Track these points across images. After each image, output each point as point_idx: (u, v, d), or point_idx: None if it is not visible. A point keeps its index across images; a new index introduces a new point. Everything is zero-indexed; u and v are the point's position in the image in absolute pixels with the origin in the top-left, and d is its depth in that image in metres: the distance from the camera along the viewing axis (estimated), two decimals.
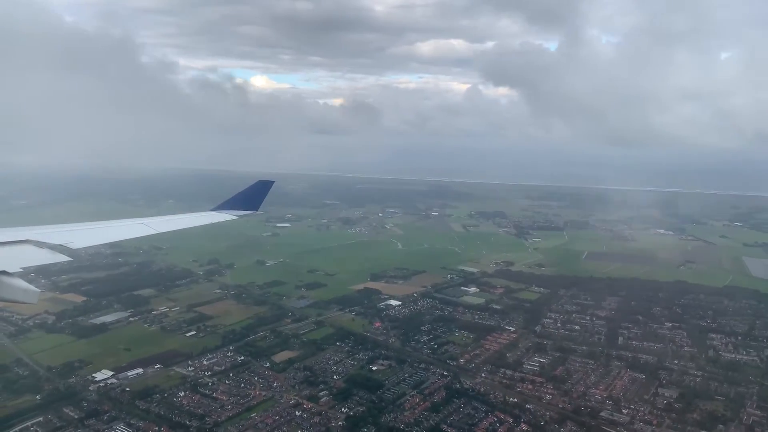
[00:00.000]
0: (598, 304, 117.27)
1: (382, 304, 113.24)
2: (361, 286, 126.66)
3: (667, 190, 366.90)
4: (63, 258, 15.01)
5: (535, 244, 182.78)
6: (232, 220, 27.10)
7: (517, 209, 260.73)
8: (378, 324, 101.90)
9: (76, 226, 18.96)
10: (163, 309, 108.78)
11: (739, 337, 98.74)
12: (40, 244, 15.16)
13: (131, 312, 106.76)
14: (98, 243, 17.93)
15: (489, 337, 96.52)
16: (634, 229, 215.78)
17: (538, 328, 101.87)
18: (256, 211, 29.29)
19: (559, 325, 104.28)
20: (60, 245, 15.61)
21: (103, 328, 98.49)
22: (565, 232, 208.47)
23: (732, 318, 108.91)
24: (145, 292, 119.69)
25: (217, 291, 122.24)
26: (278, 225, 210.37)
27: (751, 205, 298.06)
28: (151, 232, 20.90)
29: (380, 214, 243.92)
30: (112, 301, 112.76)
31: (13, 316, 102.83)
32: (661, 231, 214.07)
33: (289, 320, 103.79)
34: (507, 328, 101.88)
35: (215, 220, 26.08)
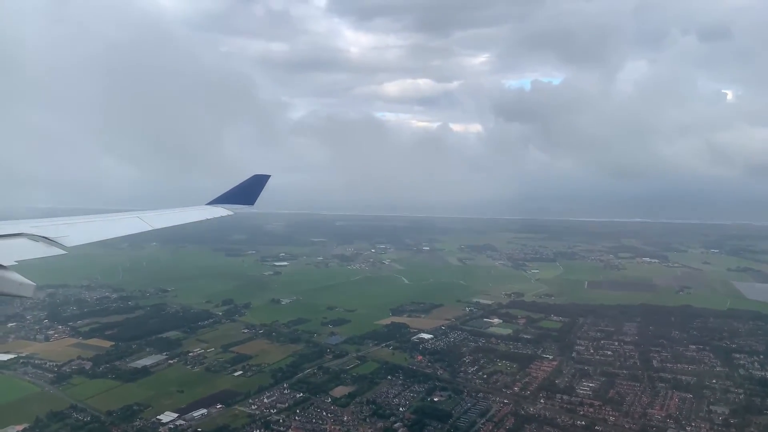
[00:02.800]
0: (620, 329, 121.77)
1: (414, 338, 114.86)
2: (386, 321, 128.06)
3: (637, 221, 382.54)
4: (58, 251, 14.60)
5: (535, 275, 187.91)
6: (229, 216, 26.73)
7: (504, 242, 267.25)
8: (420, 357, 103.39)
9: (71, 220, 18.42)
10: (199, 350, 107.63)
11: (761, 356, 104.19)
12: (34, 238, 14.84)
13: (167, 354, 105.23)
14: (94, 240, 17.06)
15: (532, 366, 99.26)
16: (621, 258, 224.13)
17: (574, 355, 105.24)
18: (252, 205, 28.95)
19: (592, 351, 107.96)
20: (53, 239, 15.19)
21: (146, 371, 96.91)
22: (558, 263, 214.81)
23: (747, 339, 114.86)
24: (171, 334, 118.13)
25: (245, 331, 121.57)
26: (276, 264, 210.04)
27: (719, 233, 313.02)
28: (147, 228, 20.13)
29: (373, 251, 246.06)
30: (142, 345, 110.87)
31: (46, 363, 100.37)
32: (647, 259, 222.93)
33: (330, 356, 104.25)
34: (544, 356, 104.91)
35: (210, 215, 25.43)
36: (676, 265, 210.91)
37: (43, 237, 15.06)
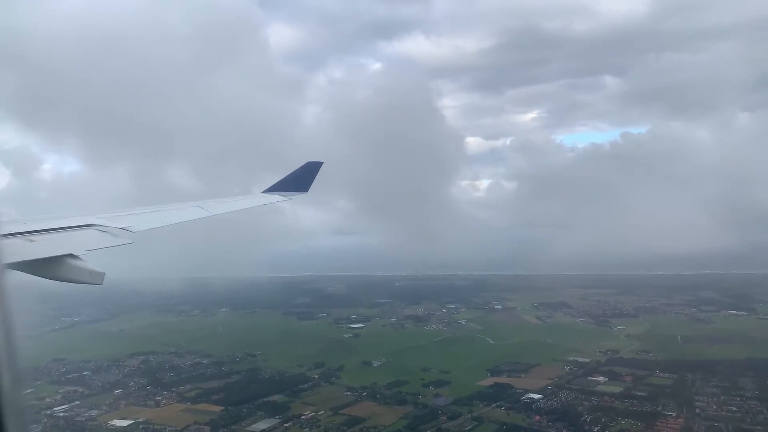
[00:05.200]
0: (735, 385, 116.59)
1: (524, 398, 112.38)
2: (487, 382, 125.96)
3: (703, 273, 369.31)
4: (125, 241, 14.95)
5: (623, 332, 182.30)
6: (284, 201, 27.32)
7: (577, 299, 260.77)
8: (537, 418, 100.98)
9: (135, 211, 19.12)
10: (309, 413, 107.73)
11: None
12: (103, 228, 15.30)
13: (279, 418, 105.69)
14: (157, 226, 17.65)
15: (658, 423, 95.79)
16: (705, 312, 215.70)
17: (698, 411, 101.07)
18: (306, 192, 29.14)
19: (715, 407, 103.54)
20: (121, 229, 15.71)
21: None
22: (640, 318, 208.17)
23: None
24: (276, 398, 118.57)
25: (347, 393, 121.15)
26: (351, 326, 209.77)
27: None
28: (206, 214, 20.85)
29: (444, 311, 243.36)
30: (252, 409, 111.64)
31: (165, 429, 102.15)
32: (734, 312, 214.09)
33: (445, 418, 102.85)
34: (667, 413, 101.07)
35: (266, 202, 26.09)
36: (767, 317, 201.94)
37: (111, 227, 15.54)
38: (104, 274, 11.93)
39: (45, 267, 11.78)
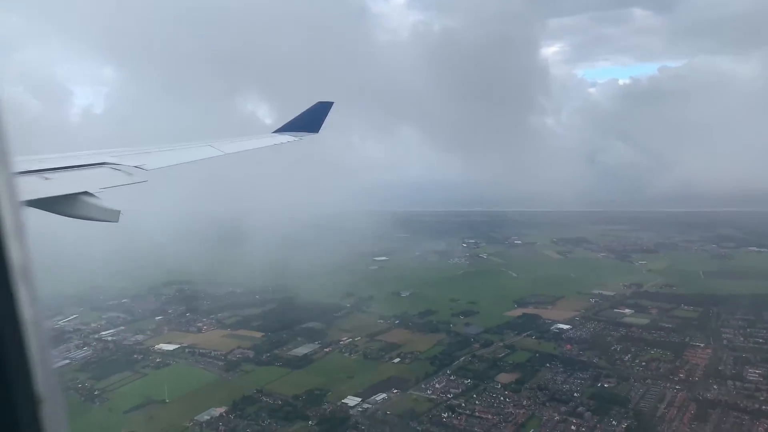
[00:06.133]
0: (760, 318, 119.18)
1: (553, 328, 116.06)
2: (516, 313, 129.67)
3: (727, 210, 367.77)
4: (138, 180, 15.18)
5: (644, 267, 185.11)
6: (294, 141, 27.36)
7: (597, 235, 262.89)
8: (569, 346, 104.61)
9: (149, 149, 19.31)
10: (346, 339, 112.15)
11: None
12: (116, 167, 15.47)
13: (319, 343, 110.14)
14: (171, 164, 17.94)
15: (686, 353, 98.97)
16: (725, 249, 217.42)
17: (725, 343, 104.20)
18: (316, 132, 29.29)
19: (742, 339, 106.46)
20: (135, 167, 15.89)
21: (307, 359, 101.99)
22: (661, 254, 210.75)
23: None
24: (312, 324, 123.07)
25: (380, 321, 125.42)
26: (376, 259, 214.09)
27: None
28: (218, 153, 21.12)
29: (464, 245, 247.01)
30: (291, 335, 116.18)
31: (210, 352, 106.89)
32: (754, 248, 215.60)
33: (477, 346, 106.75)
34: (694, 344, 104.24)
35: (277, 142, 26.31)
36: None
37: (125, 165, 15.73)
38: (120, 212, 12.43)
39: (61, 204, 12.20)
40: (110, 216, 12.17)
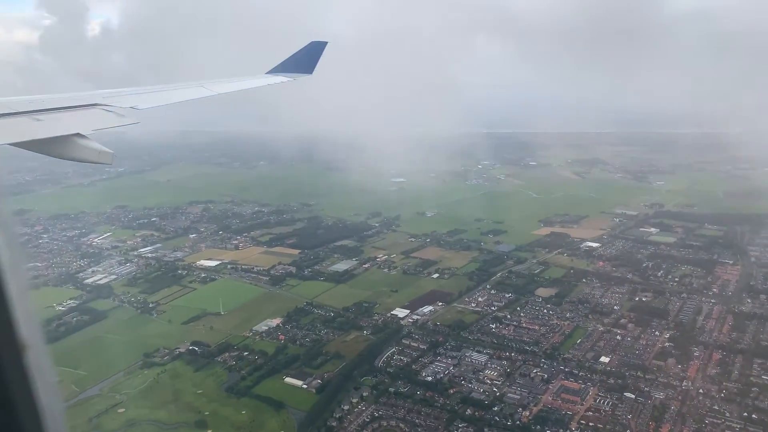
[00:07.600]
0: None
1: (583, 246, 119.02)
2: (543, 231, 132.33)
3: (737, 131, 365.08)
4: (130, 121, 15.10)
5: (663, 187, 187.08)
6: (288, 82, 27.21)
7: (611, 156, 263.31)
8: (601, 263, 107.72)
9: (140, 90, 19.28)
10: (383, 256, 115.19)
11: None
12: (108, 108, 15.39)
13: (356, 260, 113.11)
14: (162, 104, 17.94)
15: (717, 269, 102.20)
16: (741, 170, 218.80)
17: (753, 260, 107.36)
18: (310, 74, 28.92)
19: None
20: (129, 108, 15.92)
21: (349, 274, 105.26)
22: (678, 175, 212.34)
23: None
24: (346, 242, 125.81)
25: (411, 240, 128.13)
26: (394, 180, 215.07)
27: None
28: (210, 93, 21.17)
29: (480, 166, 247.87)
30: (327, 252, 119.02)
31: (253, 268, 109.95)
32: None
33: (512, 262, 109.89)
34: (723, 260, 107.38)
35: (270, 82, 26.16)
36: None
37: (116, 107, 15.69)
38: (113, 153, 12.44)
39: (54, 146, 12.13)
40: (103, 158, 12.38)
